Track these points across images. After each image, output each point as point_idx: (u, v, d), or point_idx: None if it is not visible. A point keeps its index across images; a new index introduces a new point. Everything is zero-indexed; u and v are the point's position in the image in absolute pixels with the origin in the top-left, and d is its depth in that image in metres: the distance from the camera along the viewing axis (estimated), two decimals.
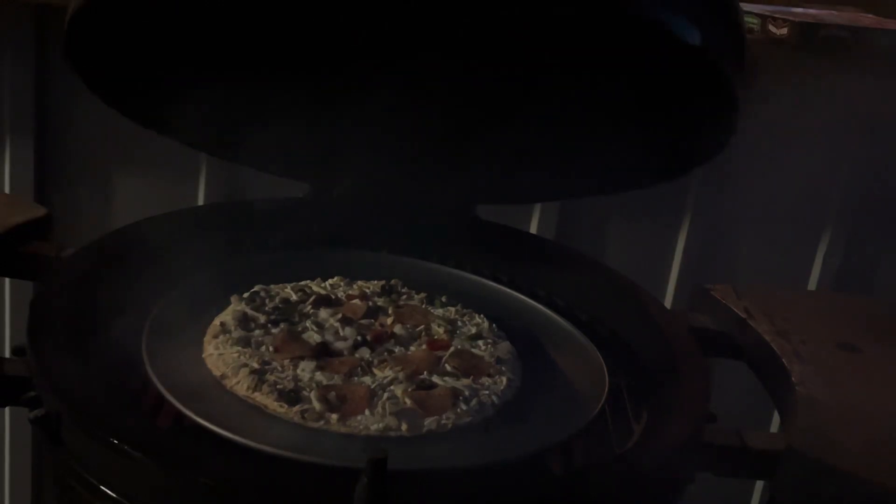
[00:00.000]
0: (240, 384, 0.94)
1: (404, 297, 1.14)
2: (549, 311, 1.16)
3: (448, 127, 1.18)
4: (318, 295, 1.11)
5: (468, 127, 1.16)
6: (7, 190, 1.71)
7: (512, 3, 0.91)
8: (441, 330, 1.07)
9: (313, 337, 1.03)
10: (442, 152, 1.20)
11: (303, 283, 1.14)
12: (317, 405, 0.91)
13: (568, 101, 1.11)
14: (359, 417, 0.91)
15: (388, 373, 0.98)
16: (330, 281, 1.16)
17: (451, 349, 1.03)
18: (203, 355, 0.99)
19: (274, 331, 1.03)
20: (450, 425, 0.92)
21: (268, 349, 1.00)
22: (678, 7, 0.87)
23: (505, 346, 1.06)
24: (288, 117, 1.10)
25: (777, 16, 1.64)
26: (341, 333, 1.04)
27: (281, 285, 1.12)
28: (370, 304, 1.11)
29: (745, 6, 1.70)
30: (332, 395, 0.92)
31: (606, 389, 1.01)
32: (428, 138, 1.19)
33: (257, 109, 1.12)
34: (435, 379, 0.98)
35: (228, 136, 1.19)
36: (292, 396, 0.92)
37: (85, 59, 1.04)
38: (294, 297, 1.10)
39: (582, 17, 0.93)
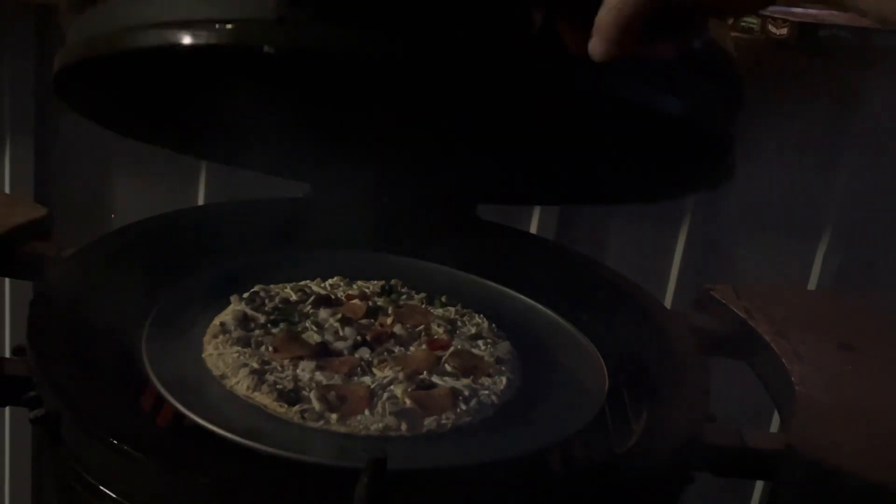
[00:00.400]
0: (240, 384, 0.94)
1: (404, 297, 1.14)
2: (549, 311, 1.16)
3: (449, 127, 1.17)
4: (318, 295, 1.11)
5: (469, 127, 1.16)
6: (7, 190, 1.71)
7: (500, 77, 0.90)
8: (441, 330, 1.07)
9: (313, 337, 1.03)
10: (442, 152, 1.19)
11: (303, 283, 1.14)
12: (317, 405, 0.91)
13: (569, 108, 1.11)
14: (359, 417, 0.90)
15: (388, 373, 0.98)
16: (330, 281, 1.16)
17: (451, 349, 1.03)
18: (203, 355, 0.99)
19: (274, 331, 1.03)
20: (450, 425, 0.92)
21: (268, 349, 1.00)
22: (666, 85, 0.86)
23: (505, 346, 1.06)
24: (287, 117, 1.10)
25: (777, 16, 1.64)
26: (341, 333, 1.04)
27: (281, 285, 1.12)
28: (370, 304, 1.11)
29: None
30: (332, 394, 0.92)
31: (606, 389, 1.01)
32: (428, 138, 1.19)
33: (256, 110, 1.12)
34: (435, 379, 0.98)
35: (228, 141, 1.18)
36: (292, 396, 0.92)
37: (77, 92, 1.04)
38: (294, 297, 1.10)
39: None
